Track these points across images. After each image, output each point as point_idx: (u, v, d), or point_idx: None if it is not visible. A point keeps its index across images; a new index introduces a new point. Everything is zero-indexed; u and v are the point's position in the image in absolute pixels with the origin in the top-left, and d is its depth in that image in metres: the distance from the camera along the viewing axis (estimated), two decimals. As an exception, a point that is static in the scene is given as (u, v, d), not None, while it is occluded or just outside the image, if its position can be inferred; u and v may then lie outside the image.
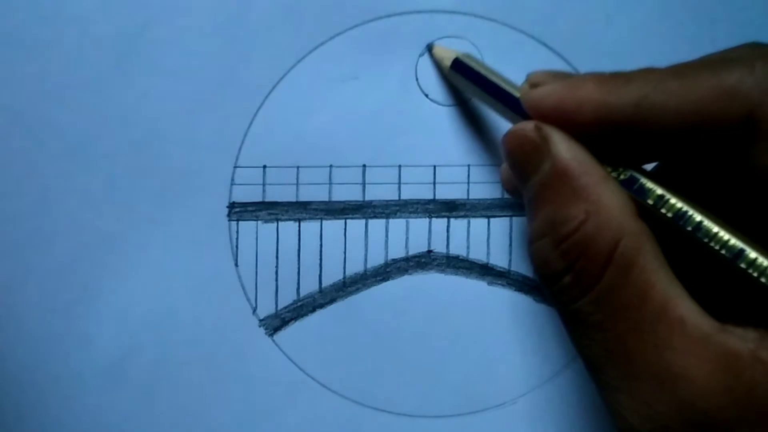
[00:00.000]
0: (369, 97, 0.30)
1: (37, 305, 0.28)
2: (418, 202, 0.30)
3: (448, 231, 0.30)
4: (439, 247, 0.30)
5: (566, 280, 0.21)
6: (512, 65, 0.30)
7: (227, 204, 0.29)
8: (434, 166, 0.30)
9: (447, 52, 0.29)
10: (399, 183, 0.30)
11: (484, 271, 0.30)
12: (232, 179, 0.29)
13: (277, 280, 0.29)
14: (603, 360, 0.20)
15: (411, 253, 0.30)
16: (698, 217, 0.20)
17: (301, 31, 0.29)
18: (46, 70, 0.28)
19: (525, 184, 0.22)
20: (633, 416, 0.20)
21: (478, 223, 0.30)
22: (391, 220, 0.30)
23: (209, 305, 0.29)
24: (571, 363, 0.30)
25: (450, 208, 0.30)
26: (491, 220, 0.30)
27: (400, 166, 0.30)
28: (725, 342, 0.19)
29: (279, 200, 0.29)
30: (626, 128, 0.21)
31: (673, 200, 0.21)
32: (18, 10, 0.28)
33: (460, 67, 0.28)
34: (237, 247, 0.29)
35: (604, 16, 0.30)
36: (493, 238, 0.30)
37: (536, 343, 0.30)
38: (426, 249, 0.30)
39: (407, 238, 0.30)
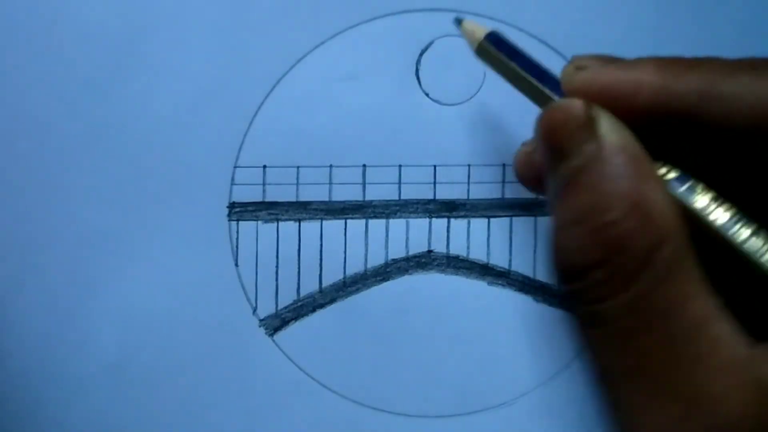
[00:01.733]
0: (369, 96, 0.30)
1: (37, 305, 0.29)
2: (418, 202, 0.30)
3: (448, 231, 0.30)
4: (439, 247, 0.30)
5: (597, 275, 0.18)
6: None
7: (227, 204, 0.29)
8: (434, 166, 0.30)
9: (478, 26, 0.26)
10: (399, 183, 0.30)
11: (484, 271, 0.30)
12: (232, 179, 0.29)
13: (277, 280, 0.29)
14: (626, 374, 0.18)
15: (411, 253, 0.30)
16: (749, 230, 0.19)
17: (301, 31, 0.29)
18: (46, 70, 0.28)
19: (559, 165, 0.20)
20: None
21: (478, 223, 0.30)
22: (391, 220, 0.30)
23: (209, 305, 0.29)
24: (571, 363, 0.30)
25: (450, 208, 0.30)
26: (491, 220, 0.30)
27: (400, 166, 0.30)
28: (761, 367, 0.17)
29: (279, 200, 0.29)
30: (684, 119, 0.19)
31: (724, 207, 0.19)
32: (18, 10, 0.28)
33: (495, 41, 0.25)
34: (237, 247, 0.29)
35: (604, 16, 0.30)
36: (493, 238, 0.30)
37: (536, 343, 0.30)
38: (426, 249, 0.30)
39: (407, 238, 0.30)
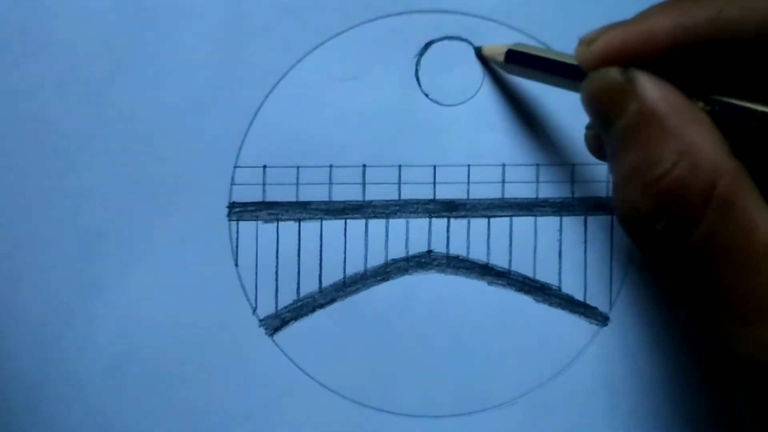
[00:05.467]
0: (369, 97, 0.30)
1: (37, 305, 0.29)
2: (418, 202, 0.30)
3: (448, 231, 0.30)
4: (439, 247, 0.30)
5: (660, 226, 0.20)
6: (512, 65, 0.30)
7: (227, 204, 0.29)
8: (434, 166, 0.30)
9: (496, 48, 0.28)
10: (399, 183, 0.30)
11: (484, 271, 0.30)
12: (232, 179, 0.29)
13: (277, 280, 0.29)
14: (714, 308, 0.19)
15: (411, 253, 0.30)
16: None
17: (301, 31, 0.29)
18: (46, 70, 0.28)
19: (609, 130, 0.21)
20: (756, 358, 0.19)
21: (478, 223, 0.30)
22: (391, 220, 0.30)
23: (209, 305, 0.29)
24: (571, 363, 0.30)
25: (450, 208, 0.30)
26: (491, 220, 0.30)
27: (400, 166, 0.30)
28: None
29: (279, 200, 0.29)
30: (704, 47, 0.20)
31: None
32: (18, 10, 0.28)
33: (514, 56, 0.27)
34: (237, 247, 0.29)
35: (604, 16, 0.30)
36: (493, 238, 0.30)
37: (536, 343, 0.30)
38: (426, 249, 0.30)
39: (407, 238, 0.30)
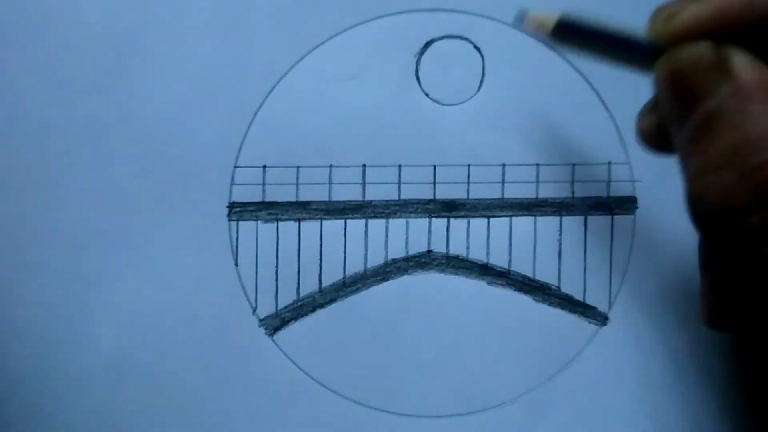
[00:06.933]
0: (369, 96, 0.30)
1: (37, 305, 0.29)
2: (418, 202, 0.30)
3: (448, 231, 0.30)
4: (439, 247, 0.30)
5: (755, 219, 0.17)
6: (513, 65, 0.30)
7: (227, 204, 0.29)
8: (434, 166, 0.30)
9: (544, 17, 0.24)
10: (399, 183, 0.30)
11: (484, 271, 0.30)
12: (232, 179, 0.29)
13: (277, 280, 0.29)
14: None
15: (411, 253, 0.30)
16: None
17: (300, 31, 0.29)
18: (47, 70, 0.28)
19: (691, 112, 0.19)
20: None
21: (478, 223, 0.30)
22: (391, 220, 0.30)
23: (209, 305, 0.29)
24: (570, 363, 0.30)
25: (450, 208, 0.30)
26: (491, 220, 0.30)
27: (400, 166, 0.30)
28: None
29: (279, 200, 0.29)
30: None
31: None
32: (18, 10, 0.28)
33: (567, 28, 0.24)
34: (237, 247, 0.29)
35: (603, 16, 0.30)
36: (493, 238, 0.30)
37: (536, 342, 0.30)
38: (426, 249, 0.30)
39: (407, 238, 0.30)
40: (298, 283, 0.30)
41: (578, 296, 0.30)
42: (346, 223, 0.30)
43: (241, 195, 0.29)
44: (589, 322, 0.30)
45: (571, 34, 0.24)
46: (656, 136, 0.23)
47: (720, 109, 0.18)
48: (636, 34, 0.22)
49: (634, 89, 0.31)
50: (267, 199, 0.29)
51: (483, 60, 0.30)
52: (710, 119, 0.19)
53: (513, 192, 0.30)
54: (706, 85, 0.19)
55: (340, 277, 0.30)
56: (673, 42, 0.20)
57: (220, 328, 0.29)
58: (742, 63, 0.18)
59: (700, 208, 0.19)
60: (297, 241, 0.30)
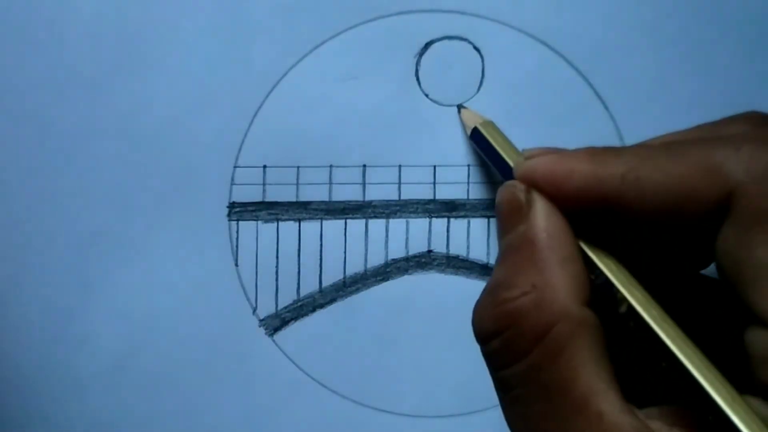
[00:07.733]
0: (369, 96, 0.30)
1: (36, 305, 0.29)
2: (418, 202, 0.30)
3: (448, 231, 0.30)
4: (439, 247, 0.30)
5: (495, 344, 0.20)
6: (512, 65, 0.30)
7: (227, 204, 0.29)
8: (434, 166, 0.30)
9: (473, 118, 0.29)
10: (399, 183, 0.30)
11: (484, 271, 0.30)
12: (232, 179, 0.29)
13: (277, 280, 0.29)
14: None
15: (411, 253, 0.30)
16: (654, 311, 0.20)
17: (300, 31, 0.29)
18: (47, 70, 0.28)
19: (499, 240, 0.22)
20: None
21: (478, 223, 0.30)
22: (391, 220, 0.30)
23: (209, 305, 0.29)
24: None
25: (450, 208, 0.30)
26: (491, 220, 0.30)
27: (400, 166, 0.30)
28: None
29: (279, 200, 0.29)
30: (613, 201, 0.20)
31: (634, 287, 0.20)
32: (18, 9, 0.28)
33: (475, 136, 0.28)
34: (237, 247, 0.29)
35: (604, 16, 0.30)
36: (493, 238, 0.30)
37: (536, 343, 0.30)
38: (426, 249, 0.30)
39: (407, 238, 0.30)
40: (298, 283, 0.30)
41: (578, 296, 0.30)
42: (346, 223, 0.30)
43: (241, 195, 0.29)
44: (589, 322, 0.30)
45: (477, 141, 0.28)
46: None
47: (510, 244, 0.21)
48: (514, 158, 0.25)
49: (634, 89, 0.31)
50: (267, 199, 0.29)
51: (483, 60, 0.30)
52: (503, 251, 0.22)
53: (513, 192, 0.30)
54: (512, 221, 0.21)
55: (341, 277, 0.30)
56: (521, 179, 0.22)
57: (220, 328, 0.29)
58: (539, 210, 0.21)
59: (472, 321, 0.22)
60: (297, 241, 0.30)
